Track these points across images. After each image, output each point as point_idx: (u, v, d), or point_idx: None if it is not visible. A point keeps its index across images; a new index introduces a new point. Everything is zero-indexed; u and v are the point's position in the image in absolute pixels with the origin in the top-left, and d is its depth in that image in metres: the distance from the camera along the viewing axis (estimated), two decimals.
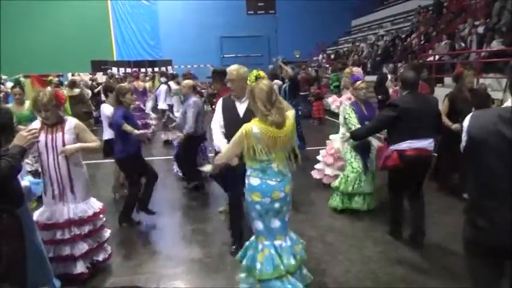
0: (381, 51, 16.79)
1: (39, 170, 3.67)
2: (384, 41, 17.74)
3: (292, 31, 23.33)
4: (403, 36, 16.74)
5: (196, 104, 5.90)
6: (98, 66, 19.28)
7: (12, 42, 18.25)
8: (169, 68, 20.03)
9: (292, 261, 3.03)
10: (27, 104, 5.53)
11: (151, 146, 9.86)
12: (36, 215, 3.46)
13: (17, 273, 2.49)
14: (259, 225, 3.04)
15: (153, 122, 11.15)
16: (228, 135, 3.67)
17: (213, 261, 4.03)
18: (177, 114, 7.18)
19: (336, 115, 6.08)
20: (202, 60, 20.66)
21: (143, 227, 4.97)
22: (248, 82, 3.04)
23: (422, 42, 14.42)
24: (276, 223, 3.03)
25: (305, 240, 4.33)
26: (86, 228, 3.63)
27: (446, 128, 4.92)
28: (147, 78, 13.93)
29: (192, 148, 6.10)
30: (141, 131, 4.86)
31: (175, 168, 7.05)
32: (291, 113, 3.05)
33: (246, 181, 3.05)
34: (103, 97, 11.78)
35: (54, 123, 3.49)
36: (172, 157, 7.31)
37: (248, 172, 3.03)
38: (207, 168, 3.59)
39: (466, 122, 2.11)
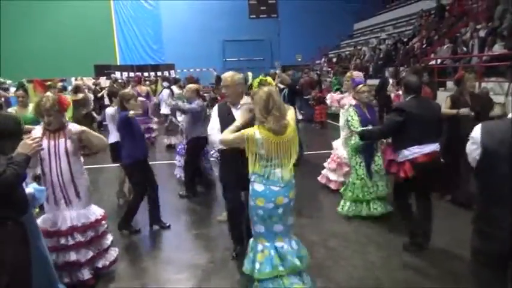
0: (383, 55, 16.79)
1: (38, 172, 3.69)
2: (386, 44, 17.75)
3: (294, 35, 23.37)
4: (405, 39, 16.74)
5: (201, 107, 6.00)
6: (101, 70, 19.35)
7: (13, 46, 18.35)
8: (172, 72, 20.08)
9: (297, 262, 3.07)
10: (31, 106, 5.56)
11: (154, 150, 9.89)
12: (39, 222, 3.47)
13: (22, 280, 2.52)
14: (261, 228, 3.09)
15: (156, 126, 11.18)
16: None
17: (216, 266, 4.03)
18: (180, 118, 7.20)
19: (338, 119, 6.09)
20: (205, 65, 20.71)
21: (146, 232, 4.97)
22: (253, 88, 3.12)
23: (424, 46, 14.42)
24: (279, 227, 3.08)
25: (307, 245, 4.33)
26: (89, 235, 3.64)
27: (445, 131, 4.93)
28: (147, 82, 13.96)
29: (197, 152, 6.21)
30: (140, 99, 4.84)
31: (178, 173, 7.08)
32: (291, 116, 3.10)
33: (250, 187, 3.09)
34: (106, 101, 11.87)
35: (57, 129, 3.51)
36: (175, 162, 7.33)
37: (252, 178, 3.07)
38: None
39: (477, 133, 2.12)
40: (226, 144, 3.28)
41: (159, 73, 19.72)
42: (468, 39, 11.73)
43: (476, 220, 2.18)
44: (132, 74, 18.22)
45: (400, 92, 6.02)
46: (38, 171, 3.79)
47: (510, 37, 9.88)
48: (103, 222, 3.83)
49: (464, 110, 4.92)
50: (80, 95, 10.06)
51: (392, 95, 8.53)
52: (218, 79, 6.11)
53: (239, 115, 3.60)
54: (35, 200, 3.10)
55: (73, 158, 3.55)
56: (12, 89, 11.06)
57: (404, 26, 19.09)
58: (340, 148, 5.95)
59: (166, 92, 10.16)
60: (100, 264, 3.78)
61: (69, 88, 13.97)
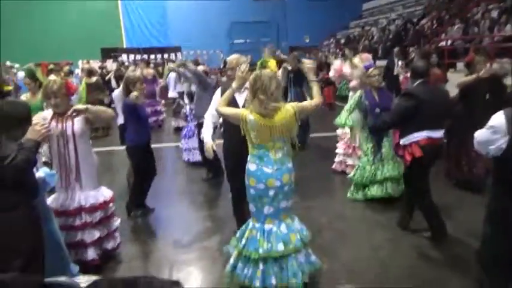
0: (392, 36, 16.51)
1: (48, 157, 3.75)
2: (395, 25, 17.44)
3: (302, 16, 22.97)
4: (415, 20, 16.42)
5: (210, 79, 6.00)
6: (108, 53, 19.32)
7: (20, 29, 18.31)
8: (178, 54, 19.98)
9: (280, 247, 3.04)
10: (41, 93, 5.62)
11: (162, 133, 9.95)
12: (49, 201, 3.53)
13: (35, 262, 2.59)
14: (252, 207, 3.18)
15: (163, 109, 11.22)
16: (226, 127, 3.74)
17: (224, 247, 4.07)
18: (187, 101, 7.22)
19: (347, 100, 6.06)
20: (212, 47, 20.56)
21: (155, 214, 5.03)
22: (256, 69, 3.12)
23: (434, 27, 14.15)
24: (269, 209, 3.10)
25: (314, 227, 4.39)
26: (97, 216, 3.69)
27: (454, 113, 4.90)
28: (151, 65, 13.90)
29: None
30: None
31: (187, 156, 7.11)
32: (289, 106, 3.07)
33: (246, 166, 3.14)
34: (113, 84, 11.88)
35: (64, 113, 3.55)
36: (180, 144, 7.36)
37: (249, 157, 3.13)
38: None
39: (500, 122, 2.08)
40: (222, 115, 3.33)
41: (165, 55, 19.63)
42: (479, 19, 11.49)
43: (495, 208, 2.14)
44: (138, 57, 18.16)
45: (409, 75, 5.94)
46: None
47: None
48: (111, 204, 3.88)
49: (484, 72, 4.75)
50: (94, 78, 10.14)
51: (401, 77, 8.43)
52: (225, 63, 6.04)
53: (242, 99, 3.61)
54: (46, 184, 3.16)
55: (80, 141, 3.58)
56: (20, 73, 11.12)
57: (414, 6, 18.69)
58: (351, 132, 5.90)
59: (173, 75, 10.14)
60: (109, 246, 3.85)
61: (76, 71, 14.05)
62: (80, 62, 16.13)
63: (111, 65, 15.69)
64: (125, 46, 21.54)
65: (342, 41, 21.47)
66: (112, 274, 3.65)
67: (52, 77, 8.09)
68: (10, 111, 2.65)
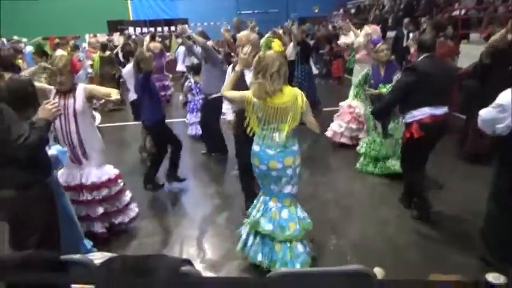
0: (403, 5, 16.05)
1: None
2: None
3: None
4: None
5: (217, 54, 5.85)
6: (114, 26, 19.11)
7: (26, 3, 18.16)
8: (185, 26, 19.69)
9: (268, 227, 3.08)
10: None
11: (171, 108, 9.96)
12: (58, 175, 3.58)
13: (51, 238, 2.68)
14: (260, 184, 3.26)
15: (171, 83, 11.17)
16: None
17: (233, 224, 4.10)
18: (193, 79, 7.19)
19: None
20: (219, 18, 20.20)
21: (165, 190, 5.11)
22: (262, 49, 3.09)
23: None
24: (275, 188, 3.14)
25: (321, 203, 4.46)
26: (101, 194, 3.72)
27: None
28: (158, 39, 13.71)
29: (217, 111, 5.69)
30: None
31: (193, 130, 7.14)
32: (299, 92, 3.03)
33: (252, 145, 3.17)
34: (121, 58, 11.80)
35: (68, 90, 3.57)
36: (186, 120, 7.38)
37: (254, 138, 3.15)
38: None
39: (507, 100, 2.05)
40: (228, 100, 3.37)
41: (172, 28, 19.36)
42: None
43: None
44: (145, 30, 17.94)
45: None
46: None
47: None
48: (118, 181, 3.90)
49: None
50: (108, 52, 10.15)
51: (412, 50, 8.24)
52: (233, 39, 5.96)
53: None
54: (58, 161, 3.22)
55: (81, 118, 3.58)
56: (28, 48, 11.11)
57: None
58: (359, 106, 5.85)
59: (182, 49, 10.05)
60: (117, 221, 3.91)
61: (84, 45, 13.98)
62: (86, 36, 16.02)
63: (118, 38, 15.51)
64: (131, 18, 21.29)
65: (352, 11, 20.96)
66: (123, 250, 3.75)
67: (59, 51, 8.12)
68: (17, 88, 2.69)
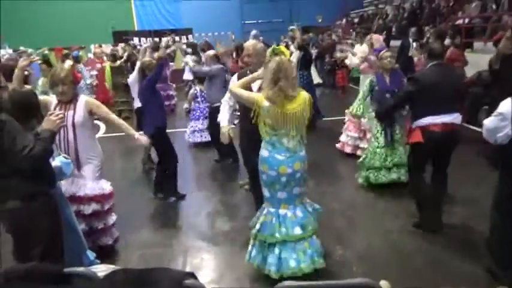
0: (407, 14, 16.11)
1: None
2: (410, 3, 16.99)
3: None
4: None
5: (219, 69, 5.97)
6: (119, 37, 19.28)
7: (32, 14, 18.39)
8: (190, 36, 19.83)
9: (298, 231, 3.09)
10: None
11: (175, 117, 9.98)
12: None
13: (55, 249, 2.67)
14: (266, 192, 3.20)
15: (175, 93, 11.21)
16: (242, 109, 3.76)
17: (238, 234, 4.11)
18: (198, 87, 7.22)
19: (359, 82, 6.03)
20: (223, 28, 20.35)
21: (169, 200, 5.06)
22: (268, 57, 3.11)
23: (451, 4, 13.73)
24: (282, 194, 3.13)
25: (327, 213, 4.41)
26: (91, 208, 3.58)
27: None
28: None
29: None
30: None
31: (197, 137, 7.13)
32: (303, 94, 3.08)
33: (260, 152, 3.17)
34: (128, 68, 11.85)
35: (69, 101, 3.56)
36: (188, 128, 7.36)
37: (262, 143, 3.16)
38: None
39: (507, 109, 2.04)
40: (236, 98, 3.38)
41: (177, 38, 19.49)
42: None
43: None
44: (150, 40, 18.07)
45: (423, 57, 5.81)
46: None
47: None
48: (109, 199, 3.75)
49: None
50: (118, 62, 10.25)
51: (415, 59, 8.25)
52: (238, 48, 6.00)
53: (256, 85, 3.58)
54: (62, 172, 3.21)
55: (80, 130, 3.54)
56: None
57: None
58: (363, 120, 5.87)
59: (190, 57, 10.11)
60: (103, 241, 3.75)
61: (89, 55, 14.09)
62: (92, 46, 16.16)
63: (122, 49, 15.66)
64: (136, 29, 21.50)
65: (356, 20, 21.05)
66: (126, 261, 3.71)
67: (68, 62, 8.20)
68: (20, 99, 2.70)
